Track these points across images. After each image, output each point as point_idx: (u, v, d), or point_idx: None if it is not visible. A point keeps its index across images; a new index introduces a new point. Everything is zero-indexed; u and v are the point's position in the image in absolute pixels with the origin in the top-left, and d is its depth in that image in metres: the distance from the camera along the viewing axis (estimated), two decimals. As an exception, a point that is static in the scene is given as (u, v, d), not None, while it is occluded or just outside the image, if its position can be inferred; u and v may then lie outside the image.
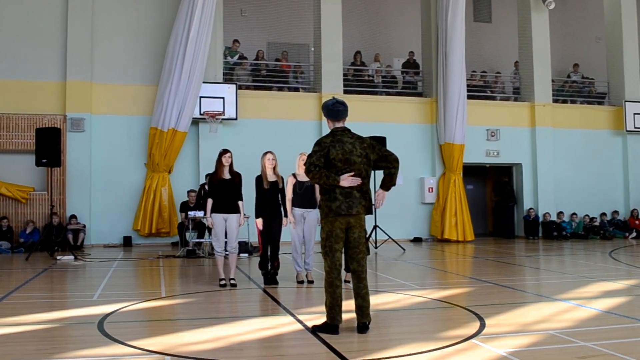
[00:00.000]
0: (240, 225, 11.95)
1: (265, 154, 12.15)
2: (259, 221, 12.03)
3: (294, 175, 12.20)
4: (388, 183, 7.66)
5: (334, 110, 7.72)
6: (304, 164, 7.64)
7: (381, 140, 19.70)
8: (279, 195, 12.10)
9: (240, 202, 11.92)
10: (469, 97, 24.44)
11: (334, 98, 7.86)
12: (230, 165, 11.94)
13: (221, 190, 11.79)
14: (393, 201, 23.33)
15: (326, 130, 20.56)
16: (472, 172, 26.48)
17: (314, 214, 12.11)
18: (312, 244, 12.20)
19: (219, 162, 11.88)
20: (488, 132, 24.79)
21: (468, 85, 24.71)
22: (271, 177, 12.05)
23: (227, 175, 11.86)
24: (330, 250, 7.51)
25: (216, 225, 11.75)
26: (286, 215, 12.09)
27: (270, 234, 12.12)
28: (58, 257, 17.10)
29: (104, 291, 11.32)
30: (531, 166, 25.22)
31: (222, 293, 11.06)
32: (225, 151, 11.98)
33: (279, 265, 12.33)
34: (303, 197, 12.09)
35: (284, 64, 24.55)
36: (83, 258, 17.21)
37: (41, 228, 20.32)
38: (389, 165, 7.67)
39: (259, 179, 12.09)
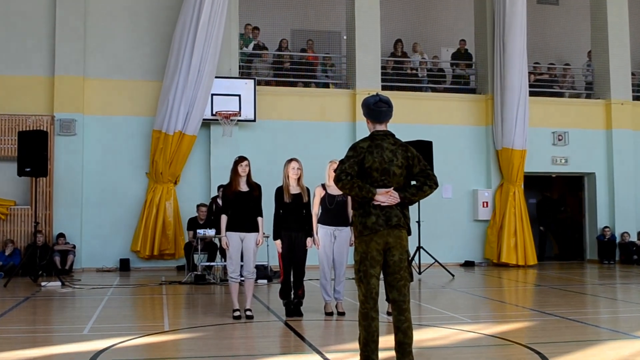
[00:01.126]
0: (259, 244, 11.92)
1: (289, 161, 12.10)
2: (278, 243, 11.99)
3: (323, 186, 12.16)
4: (410, 195, 7.47)
5: (376, 110, 7.63)
6: (334, 172, 7.58)
7: (427, 146, 19.63)
8: (304, 211, 12.05)
9: (259, 219, 11.90)
10: (532, 93, 24.26)
11: (377, 95, 7.75)
12: (248, 175, 11.92)
13: (237, 204, 11.77)
14: (440, 218, 23.25)
15: (361, 133, 20.52)
16: (535, 184, 26.30)
17: (345, 233, 12.06)
18: (344, 269, 12.16)
19: (235, 172, 11.87)
20: (554, 135, 24.62)
21: (530, 80, 24.57)
22: (294, 189, 12.01)
23: (244, 187, 11.84)
24: (365, 276, 7.43)
25: (231, 245, 11.73)
26: (311, 235, 12.04)
27: (294, 257, 12.07)
28: (43, 283, 17.16)
29: (96, 324, 11.34)
30: (606, 176, 25.00)
31: (236, 326, 11.05)
32: (241, 159, 11.96)
33: (304, 294, 12.29)
34: (334, 213, 12.05)
35: (310, 55, 24.56)
36: (72, 284, 17.27)
37: (23, 249, 20.42)
38: (427, 182, 7.52)
39: (280, 192, 12.05)
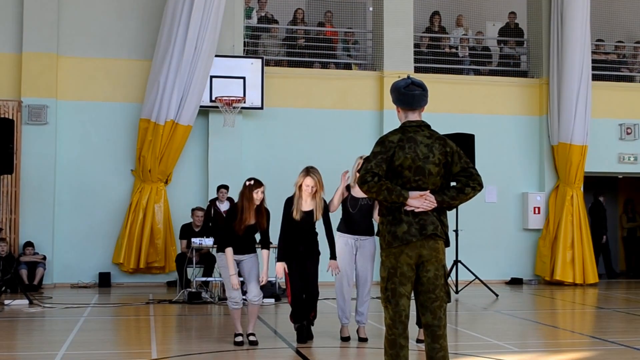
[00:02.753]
0: (262, 283, 11.85)
1: (305, 174, 11.88)
2: (280, 268, 11.89)
3: (348, 187, 12.11)
4: (449, 199, 7.42)
5: (408, 93, 7.58)
6: (357, 171, 7.52)
7: (468, 139, 19.60)
8: (315, 232, 11.99)
9: (265, 252, 11.79)
10: (595, 77, 24.19)
11: (408, 77, 7.73)
12: (260, 204, 11.79)
13: (242, 237, 11.69)
14: (482, 226, 23.16)
15: (390, 124, 20.52)
16: (598, 186, 26.22)
17: (370, 243, 12.04)
18: (369, 286, 12.14)
19: (248, 200, 11.65)
20: (622, 128, 24.53)
21: (594, 61, 24.44)
22: (307, 205, 11.87)
23: (253, 219, 11.75)
24: (394, 296, 7.41)
25: (226, 272, 11.67)
26: (334, 257, 11.93)
27: (306, 287, 12.01)
28: (6, 302, 17.23)
29: (70, 350, 11.39)
30: (684, 178, 24.94)
31: (238, 354, 11.08)
32: (257, 184, 11.73)
33: (316, 315, 12.30)
34: (356, 220, 12.03)
35: (329, 30, 24.54)
36: (42, 303, 17.33)
37: (-16, 260, 20.52)
38: (470, 182, 7.49)
39: (289, 204, 11.99)
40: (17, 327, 14.32)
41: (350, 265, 12.02)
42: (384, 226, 7.42)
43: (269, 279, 17.55)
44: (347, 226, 12.05)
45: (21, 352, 11.73)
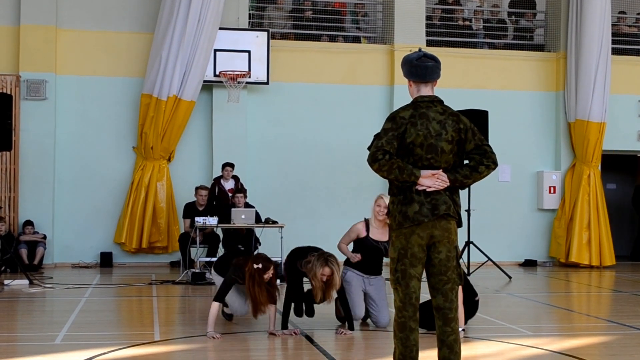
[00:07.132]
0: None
1: (323, 264, 11.04)
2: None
3: (366, 222, 11.90)
4: (462, 178, 7.44)
5: (421, 65, 7.57)
6: (368, 149, 7.47)
7: (481, 116, 19.56)
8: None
9: (272, 307, 11.32)
10: (615, 51, 24.09)
11: (420, 50, 7.75)
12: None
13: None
14: (495, 206, 23.11)
15: (401, 100, 20.51)
16: (617, 165, 26.18)
17: (380, 281, 11.86)
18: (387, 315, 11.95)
19: (259, 284, 10.90)
20: (642, 104, 24.52)
21: (614, 34, 24.33)
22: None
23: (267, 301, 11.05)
24: (404, 277, 7.44)
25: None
26: (350, 322, 11.48)
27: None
28: (6, 282, 17.24)
29: (71, 332, 11.42)
30: None
31: (241, 336, 11.09)
32: (266, 264, 10.96)
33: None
34: (367, 260, 11.87)
35: (337, 1, 24.49)
36: (42, 283, 17.39)
37: (-18, 239, 20.56)
38: (484, 160, 7.50)
39: (297, 274, 11.66)
40: (17, 307, 14.38)
41: (359, 290, 11.91)
42: (395, 206, 7.43)
43: (274, 260, 17.70)
44: (356, 263, 11.85)
45: (21, 333, 11.77)
